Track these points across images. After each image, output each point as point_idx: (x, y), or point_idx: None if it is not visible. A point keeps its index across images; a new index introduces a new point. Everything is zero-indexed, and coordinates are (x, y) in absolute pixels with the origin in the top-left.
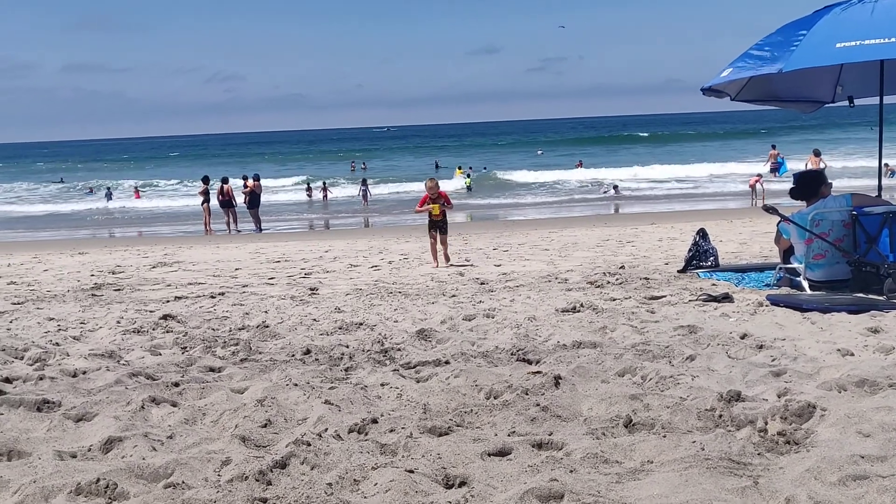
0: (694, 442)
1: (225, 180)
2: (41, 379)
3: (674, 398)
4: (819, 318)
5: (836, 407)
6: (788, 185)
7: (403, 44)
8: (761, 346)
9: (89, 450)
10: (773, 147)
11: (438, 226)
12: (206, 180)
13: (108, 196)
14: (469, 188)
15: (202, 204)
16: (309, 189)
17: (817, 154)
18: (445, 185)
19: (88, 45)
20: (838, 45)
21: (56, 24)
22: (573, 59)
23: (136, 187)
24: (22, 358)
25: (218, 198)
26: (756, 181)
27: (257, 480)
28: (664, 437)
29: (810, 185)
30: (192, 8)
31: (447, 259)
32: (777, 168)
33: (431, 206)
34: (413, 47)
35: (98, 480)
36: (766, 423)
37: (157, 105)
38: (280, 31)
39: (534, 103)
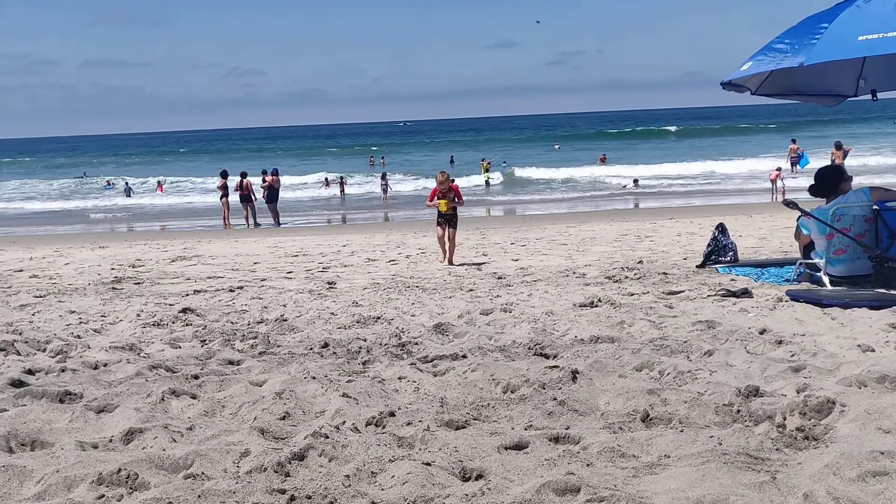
0: (711, 437)
1: (244, 175)
2: (63, 371)
3: (691, 393)
4: (839, 313)
5: (856, 403)
6: (810, 180)
7: (420, 38)
8: (780, 342)
9: (110, 441)
10: (794, 141)
11: (447, 220)
12: (224, 175)
13: (127, 192)
14: (487, 183)
15: (221, 198)
16: (327, 182)
17: (839, 147)
18: (470, 182)
19: (107, 40)
20: (860, 38)
21: (75, 20)
22: (591, 53)
23: (159, 181)
24: (44, 350)
25: (237, 192)
26: (776, 175)
27: (276, 472)
28: (681, 431)
29: (830, 182)
30: (209, 3)
31: (450, 260)
32: (797, 161)
33: (439, 201)
34: (430, 41)
35: (119, 471)
36: (785, 419)
37: (176, 100)
38: (297, 27)
39: (551, 97)
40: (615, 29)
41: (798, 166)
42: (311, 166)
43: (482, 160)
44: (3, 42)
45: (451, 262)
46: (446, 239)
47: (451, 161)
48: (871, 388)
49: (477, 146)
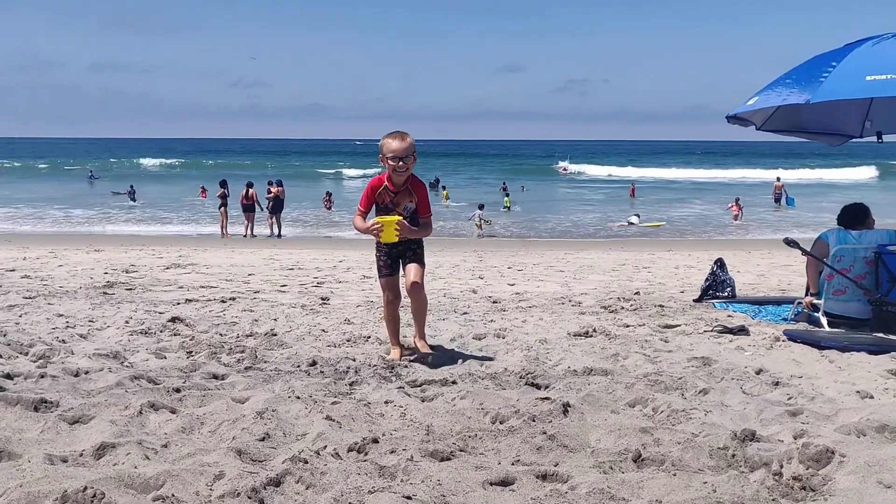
0: (705, 483)
1: (250, 184)
2: (42, 377)
3: (685, 434)
4: (837, 356)
5: (856, 453)
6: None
7: (426, 59)
8: (777, 383)
9: (81, 455)
10: (778, 179)
11: (395, 258)
12: (224, 184)
13: (132, 195)
14: (508, 208)
15: (220, 207)
16: (328, 198)
17: None
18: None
19: (115, 44)
20: (868, 78)
21: (84, 23)
22: (597, 82)
23: (202, 186)
24: (26, 354)
25: (242, 201)
26: (736, 209)
27: (249, 497)
28: (674, 475)
29: (857, 215)
30: (219, 12)
31: (421, 333)
32: (779, 198)
33: (382, 219)
34: (436, 63)
35: (85, 489)
36: (782, 467)
37: (182, 106)
38: (303, 41)
39: (556, 124)
40: (622, 59)
41: (783, 203)
42: (311, 183)
43: (443, 188)
44: (11, 42)
45: (421, 337)
46: (404, 289)
47: (437, 182)
48: (870, 438)
49: (482, 168)
